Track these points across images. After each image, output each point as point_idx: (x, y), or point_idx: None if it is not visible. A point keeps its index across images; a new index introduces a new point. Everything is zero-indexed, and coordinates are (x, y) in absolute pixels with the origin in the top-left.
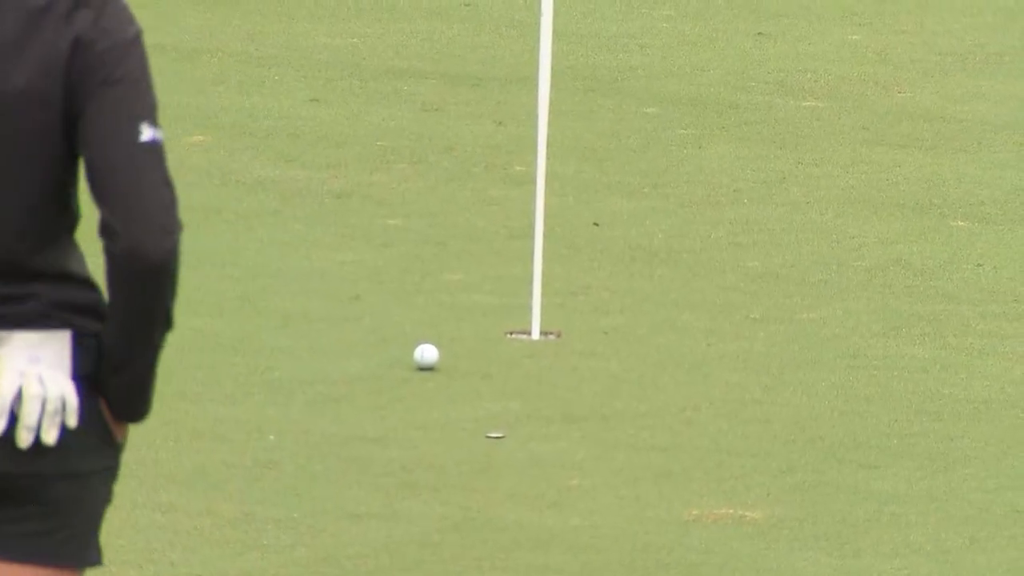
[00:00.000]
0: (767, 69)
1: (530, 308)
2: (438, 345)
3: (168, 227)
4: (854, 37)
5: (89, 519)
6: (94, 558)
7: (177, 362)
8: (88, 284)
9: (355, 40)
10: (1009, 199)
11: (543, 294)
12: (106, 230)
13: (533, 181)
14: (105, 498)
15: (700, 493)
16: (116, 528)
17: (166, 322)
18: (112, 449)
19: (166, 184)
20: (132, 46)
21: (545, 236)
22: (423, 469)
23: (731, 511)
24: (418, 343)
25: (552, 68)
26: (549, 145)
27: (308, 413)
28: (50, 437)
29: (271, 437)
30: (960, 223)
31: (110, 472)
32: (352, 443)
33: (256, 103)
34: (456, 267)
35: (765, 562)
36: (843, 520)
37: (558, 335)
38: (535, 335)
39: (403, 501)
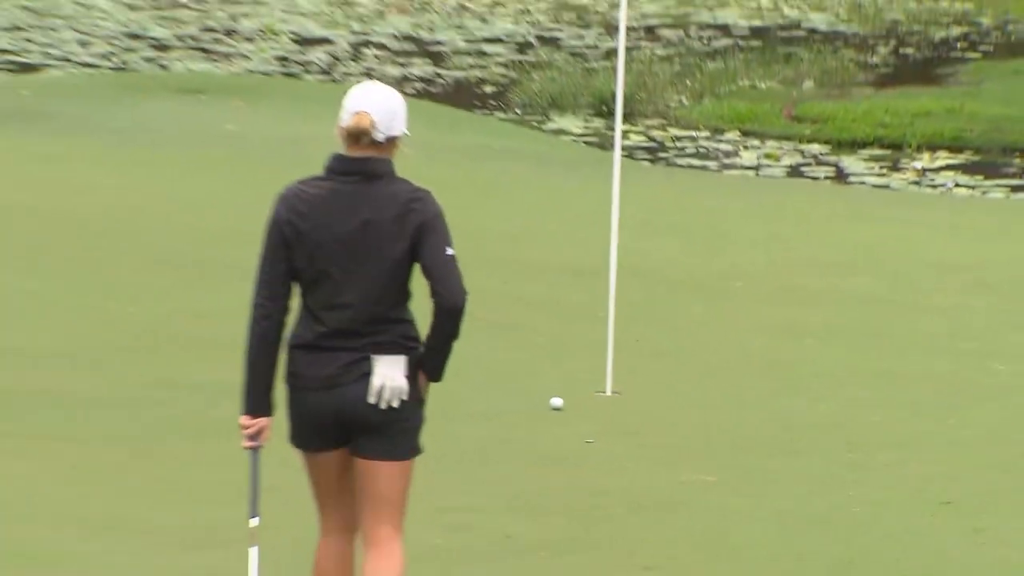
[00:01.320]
0: None
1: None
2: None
3: (463, 293)
4: None
5: (411, 439)
6: (415, 453)
7: None
8: (413, 326)
9: None
10: None
11: None
12: (435, 295)
13: None
14: (418, 428)
15: None
16: None
17: (456, 335)
18: (421, 408)
19: (459, 274)
20: (439, 216)
21: None
22: None
23: None
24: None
25: None
26: None
27: None
28: (395, 405)
29: None
30: None
31: (420, 418)
32: None
33: None
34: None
35: None
36: None
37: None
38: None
39: None
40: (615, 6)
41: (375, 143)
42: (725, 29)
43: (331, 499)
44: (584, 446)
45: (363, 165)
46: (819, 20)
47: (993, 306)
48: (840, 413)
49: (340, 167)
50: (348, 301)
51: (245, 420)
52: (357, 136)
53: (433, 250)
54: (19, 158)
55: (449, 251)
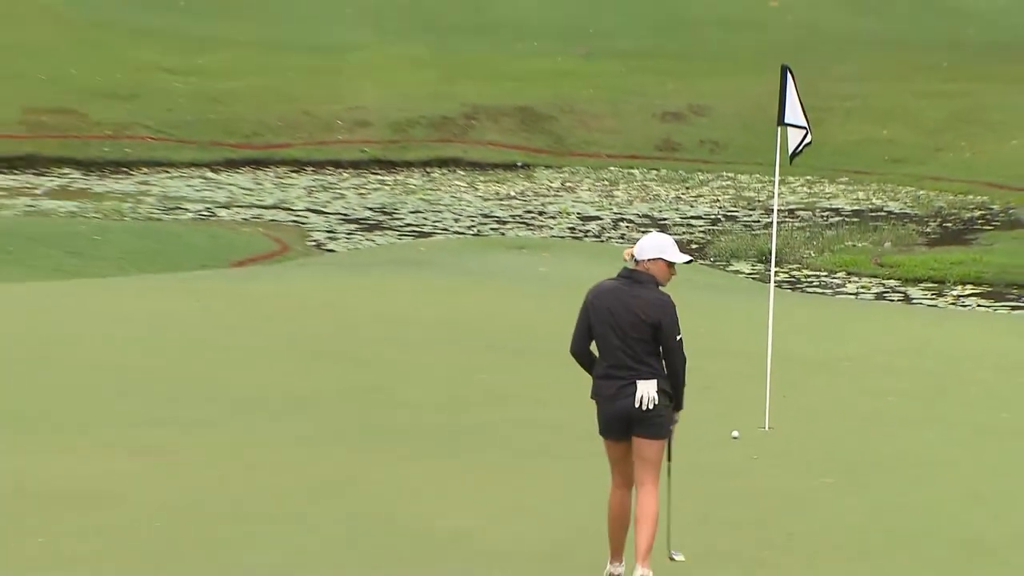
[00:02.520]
0: None
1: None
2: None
3: (683, 361)
4: None
5: (663, 427)
6: (667, 434)
7: None
8: (662, 368)
9: None
10: None
11: None
12: (666, 361)
13: None
14: (666, 429)
15: None
16: None
17: (681, 384)
18: (669, 421)
19: (682, 350)
20: (671, 313)
21: None
22: None
23: None
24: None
25: None
26: None
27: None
28: (651, 406)
29: None
30: None
31: (669, 423)
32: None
33: None
34: None
35: None
36: None
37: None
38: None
39: None
40: (771, 196)
41: (637, 262)
42: (837, 211)
43: (618, 466)
44: (751, 460)
45: (632, 274)
46: (894, 206)
47: (1011, 380)
48: (908, 445)
49: (622, 273)
50: (617, 353)
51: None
52: (630, 256)
53: (667, 334)
54: (421, 289)
55: (677, 336)
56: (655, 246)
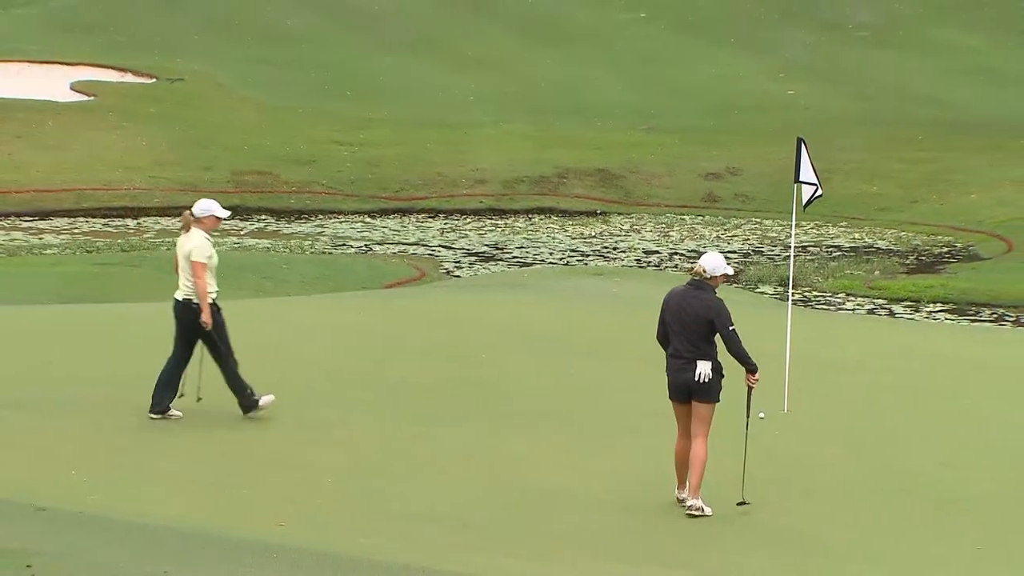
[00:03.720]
0: None
1: None
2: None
3: (739, 343)
4: None
5: (716, 393)
6: (716, 399)
7: None
8: (715, 352)
9: None
10: None
11: None
12: (727, 348)
13: None
14: (716, 396)
15: None
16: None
17: (740, 359)
18: (716, 391)
19: (738, 337)
20: (723, 311)
21: None
22: None
23: None
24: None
25: None
26: None
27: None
28: (705, 380)
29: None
30: None
31: (720, 387)
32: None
33: None
34: None
35: None
36: None
37: None
38: None
39: None
40: (789, 236)
41: (703, 277)
42: (839, 247)
43: (681, 421)
44: (775, 435)
45: (697, 283)
46: (882, 244)
47: (972, 376)
48: (895, 424)
49: (691, 282)
50: (682, 339)
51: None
52: (697, 272)
53: (720, 326)
54: (524, 304)
55: (731, 327)
56: (715, 266)
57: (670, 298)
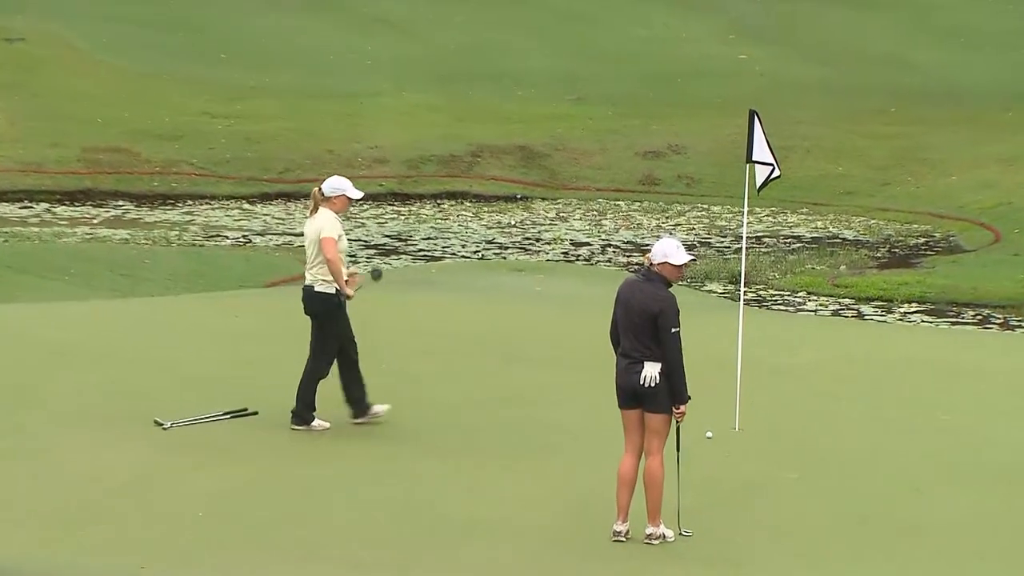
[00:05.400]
0: None
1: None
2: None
3: (678, 352)
4: None
5: (666, 404)
6: (669, 410)
7: None
8: (660, 352)
9: None
10: None
11: None
12: (663, 352)
13: None
14: (668, 406)
15: None
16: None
17: (675, 371)
18: (669, 400)
19: (678, 342)
20: (670, 308)
21: None
22: None
23: None
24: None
25: None
26: None
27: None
28: (652, 384)
29: None
30: None
31: (668, 403)
32: None
33: None
34: None
35: None
36: None
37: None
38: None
39: None
40: (740, 225)
41: (652, 264)
42: (798, 238)
43: (629, 434)
44: (713, 442)
45: (647, 273)
46: (848, 234)
47: (948, 386)
48: (858, 442)
49: (642, 272)
50: (629, 336)
51: None
52: (648, 260)
53: (662, 325)
54: (432, 305)
55: (674, 329)
56: (661, 252)
57: (620, 290)
